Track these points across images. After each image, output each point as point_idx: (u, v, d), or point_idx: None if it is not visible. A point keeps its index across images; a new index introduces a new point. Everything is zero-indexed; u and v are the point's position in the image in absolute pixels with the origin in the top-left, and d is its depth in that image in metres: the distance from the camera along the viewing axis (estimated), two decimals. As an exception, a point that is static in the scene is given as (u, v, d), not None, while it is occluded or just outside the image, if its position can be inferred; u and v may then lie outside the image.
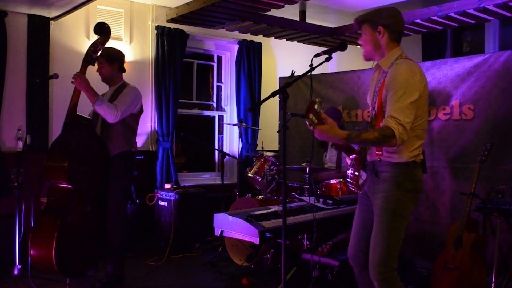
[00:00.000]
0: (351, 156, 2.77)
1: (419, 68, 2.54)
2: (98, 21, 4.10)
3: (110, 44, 4.13)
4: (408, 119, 2.39)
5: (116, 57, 4.07)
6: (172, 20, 5.67)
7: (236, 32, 6.17)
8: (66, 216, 3.67)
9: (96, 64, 4.01)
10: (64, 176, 3.65)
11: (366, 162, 2.72)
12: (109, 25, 4.06)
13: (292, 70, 2.87)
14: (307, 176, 4.41)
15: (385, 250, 2.47)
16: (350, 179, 2.84)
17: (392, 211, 2.50)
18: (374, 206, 2.58)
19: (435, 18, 5.14)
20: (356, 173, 2.57)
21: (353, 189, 2.88)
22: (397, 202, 2.50)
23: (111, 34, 4.07)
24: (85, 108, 4.03)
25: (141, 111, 4.13)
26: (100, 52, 4.01)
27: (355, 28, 2.75)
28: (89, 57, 3.90)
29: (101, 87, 4.12)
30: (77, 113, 3.87)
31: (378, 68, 2.67)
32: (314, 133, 2.37)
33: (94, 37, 5.27)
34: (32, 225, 4.09)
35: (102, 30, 3.98)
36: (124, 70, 4.13)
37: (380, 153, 2.56)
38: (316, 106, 2.35)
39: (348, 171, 2.87)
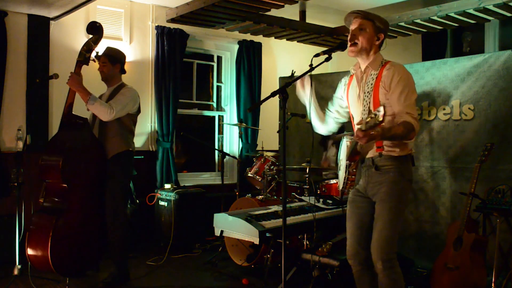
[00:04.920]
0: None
1: None
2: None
3: (110, 44, 4.12)
4: (416, 114, 2.64)
5: (119, 58, 4.09)
6: (172, 20, 5.67)
7: (236, 32, 6.17)
8: (62, 215, 3.68)
9: (98, 63, 4.02)
10: (59, 175, 3.68)
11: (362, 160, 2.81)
12: (109, 25, 4.06)
13: (292, 70, 2.88)
14: (307, 176, 4.40)
15: (391, 233, 2.67)
16: (347, 180, 2.89)
17: (398, 198, 2.69)
18: (378, 195, 2.72)
19: (435, 18, 5.14)
20: (353, 176, 2.66)
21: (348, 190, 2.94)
22: (402, 190, 2.71)
23: (111, 34, 4.07)
24: (82, 108, 4.01)
25: (138, 111, 4.12)
26: (103, 51, 4.02)
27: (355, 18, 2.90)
28: (83, 57, 3.89)
29: (100, 88, 4.12)
30: (73, 113, 3.88)
31: (366, 70, 2.78)
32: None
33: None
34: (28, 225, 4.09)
35: (94, 29, 3.97)
36: (125, 72, 4.15)
37: (381, 148, 2.69)
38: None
39: (339, 173, 2.94)
